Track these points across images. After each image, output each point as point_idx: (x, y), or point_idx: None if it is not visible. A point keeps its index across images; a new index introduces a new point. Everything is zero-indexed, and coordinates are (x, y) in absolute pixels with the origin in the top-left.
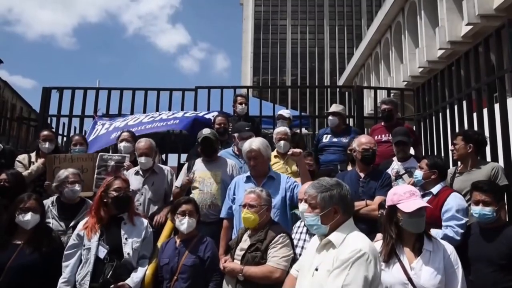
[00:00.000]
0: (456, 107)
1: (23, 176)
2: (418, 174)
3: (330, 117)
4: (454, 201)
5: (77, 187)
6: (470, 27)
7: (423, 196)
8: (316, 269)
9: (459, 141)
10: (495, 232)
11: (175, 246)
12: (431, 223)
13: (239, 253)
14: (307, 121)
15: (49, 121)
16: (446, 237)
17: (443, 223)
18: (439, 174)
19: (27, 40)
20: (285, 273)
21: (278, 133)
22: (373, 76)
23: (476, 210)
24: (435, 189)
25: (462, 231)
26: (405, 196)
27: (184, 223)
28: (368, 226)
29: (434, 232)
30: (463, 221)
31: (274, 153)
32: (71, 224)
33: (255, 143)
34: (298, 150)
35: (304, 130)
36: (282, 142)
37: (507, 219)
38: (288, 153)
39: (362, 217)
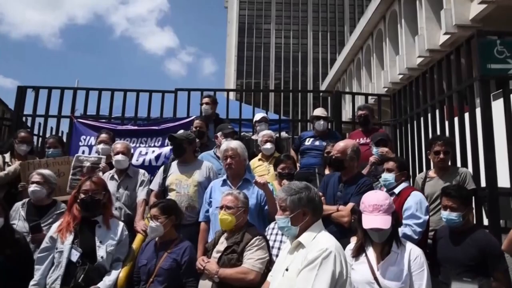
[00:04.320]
0: (429, 113)
1: None
2: (390, 177)
3: (319, 121)
4: (413, 200)
5: (34, 187)
6: (447, 36)
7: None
8: (287, 269)
9: (450, 148)
10: (464, 235)
11: (154, 248)
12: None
13: (215, 255)
14: (287, 124)
15: (24, 121)
16: (404, 236)
17: (403, 221)
18: (406, 174)
19: (10, 40)
20: (260, 275)
21: (264, 135)
22: (355, 81)
23: (444, 214)
24: (397, 189)
25: (420, 229)
26: (369, 209)
27: (148, 228)
28: (340, 230)
29: None
30: (421, 220)
31: (259, 156)
32: (32, 224)
33: (232, 143)
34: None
35: (284, 134)
36: (268, 144)
37: (474, 222)
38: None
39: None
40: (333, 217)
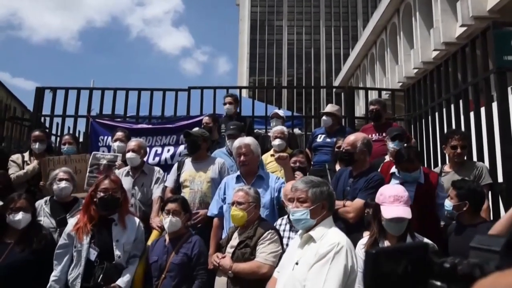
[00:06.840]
0: (444, 108)
1: (9, 176)
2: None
3: (324, 118)
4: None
5: (63, 184)
6: (464, 28)
7: (410, 184)
8: (297, 263)
9: (467, 143)
10: (471, 229)
11: (164, 244)
12: (430, 199)
13: (229, 250)
14: (300, 121)
15: (42, 121)
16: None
17: (440, 194)
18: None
19: (31, 43)
20: (273, 269)
21: (275, 131)
22: (369, 77)
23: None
24: (421, 178)
25: None
26: (389, 200)
27: (167, 222)
28: (347, 226)
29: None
30: None
31: (271, 152)
32: (59, 218)
33: (245, 140)
34: (284, 154)
35: (297, 130)
36: (277, 140)
37: (491, 218)
38: (274, 156)
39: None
40: (339, 212)
